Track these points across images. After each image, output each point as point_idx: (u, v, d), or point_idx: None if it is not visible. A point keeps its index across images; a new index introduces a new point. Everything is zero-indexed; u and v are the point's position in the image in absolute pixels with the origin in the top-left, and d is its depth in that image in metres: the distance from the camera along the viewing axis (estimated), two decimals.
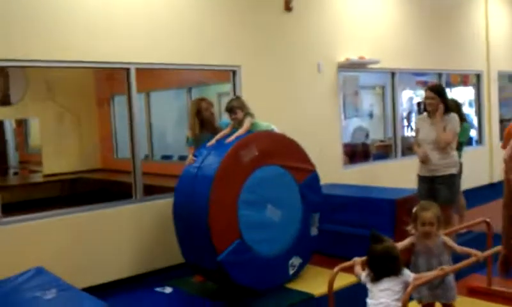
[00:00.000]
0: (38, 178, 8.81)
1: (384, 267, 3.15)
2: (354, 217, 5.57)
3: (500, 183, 8.37)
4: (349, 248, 5.28)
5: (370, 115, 10.67)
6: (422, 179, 5.34)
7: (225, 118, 5.24)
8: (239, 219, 4.48)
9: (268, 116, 6.23)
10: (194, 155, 4.82)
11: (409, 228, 3.60)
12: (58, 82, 8.43)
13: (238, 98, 5.04)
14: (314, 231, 5.10)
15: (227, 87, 7.36)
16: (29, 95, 8.27)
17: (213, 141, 4.79)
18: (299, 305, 4.51)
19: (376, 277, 3.18)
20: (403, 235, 3.66)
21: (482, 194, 8.66)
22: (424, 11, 8.70)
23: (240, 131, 4.73)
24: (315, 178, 5.12)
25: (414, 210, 3.60)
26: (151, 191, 5.62)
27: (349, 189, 6.24)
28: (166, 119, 9.17)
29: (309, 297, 4.61)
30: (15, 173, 9.30)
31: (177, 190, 4.78)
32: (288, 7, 6.62)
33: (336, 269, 3.48)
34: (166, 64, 5.63)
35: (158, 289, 4.88)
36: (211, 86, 8.51)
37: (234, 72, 6.19)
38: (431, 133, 5.21)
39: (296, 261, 4.91)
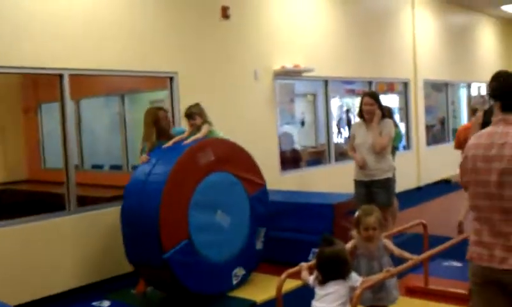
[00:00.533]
0: None
1: (332, 270, 3.16)
2: (293, 223, 5.61)
3: (426, 187, 8.74)
4: (289, 253, 5.37)
5: (302, 122, 10.87)
6: (359, 183, 5.43)
7: (177, 126, 5.25)
8: (189, 219, 4.47)
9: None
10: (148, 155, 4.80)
11: (353, 232, 3.66)
12: None
13: (197, 104, 5.04)
14: (259, 245, 5.14)
15: (161, 94, 7.26)
16: None
17: (170, 143, 4.80)
18: None
19: (323, 280, 3.20)
20: (341, 239, 3.68)
21: (410, 197, 9.01)
22: (356, 21, 8.97)
23: (199, 135, 4.79)
24: (264, 192, 5.20)
25: (356, 214, 3.66)
26: (83, 202, 5.41)
27: (287, 195, 6.28)
28: (97, 128, 8.89)
29: (252, 304, 4.58)
30: None
31: (128, 188, 4.70)
32: (225, 15, 6.62)
33: (283, 276, 3.47)
34: (101, 70, 5.47)
35: (95, 303, 4.70)
36: (144, 93, 8.35)
37: (171, 78, 6.10)
38: (367, 138, 5.32)
39: (239, 271, 4.90)
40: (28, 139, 8.96)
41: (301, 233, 5.46)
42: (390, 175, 5.37)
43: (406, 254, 3.57)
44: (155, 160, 4.65)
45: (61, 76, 5.13)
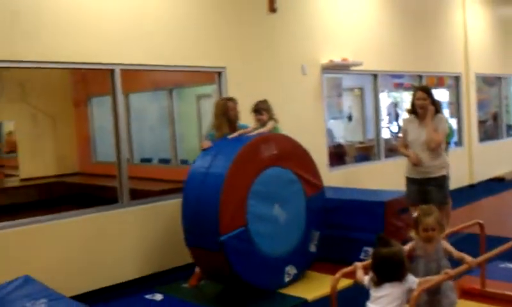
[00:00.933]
0: (14, 182, 8.56)
1: (388, 271, 3.09)
2: (343, 220, 5.52)
3: (479, 185, 8.45)
4: (339, 251, 5.31)
5: (349, 117, 10.73)
6: (412, 181, 5.30)
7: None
8: (248, 207, 4.51)
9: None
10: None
11: (412, 233, 3.58)
12: (33, 84, 8.23)
13: (265, 100, 5.12)
14: (313, 248, 5.10)
15: (208, 88, 7.30)
16: (4, 97, 8.05)
17: (235, 134, 4.87)
18: None
19: (378, 282, 3.13)
20: (392, 237, 3.59)
21: (462, 195, 8.76)
22: (406, 13, 8.78)
23: (264, 129, 4.88)
24: (322, 195, 5.20)
25: (415, 215, 3.57)
26: (134, 195, 5.48)
27: (336, 192, 6.20)
28: (145, 122, 9.02)
29: (303, 302, 4.54)
30: None
31: (190, 174, 4.76)
32: (272, 9, 6.57)
33: (338, 275, 3.41)
34: (151, 65, 5.51)
35: (148, 296, 4.76)
36: (191, 88, 8.42)
37: (220, 73, 6.11)
38: (421, 134, 5.17)
39: (291, 270, 4.88)
40: (79, 132, 9.18)
41: (351, 230, 5.38)
42: (444, 172, 5.23)
43: (466, 257, 3.45)
44: (218, 149, 4.72)
45: (112, 71, 5.21)
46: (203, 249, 4.63)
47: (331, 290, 3.43)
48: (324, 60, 7.26)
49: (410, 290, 3.07)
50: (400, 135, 5.57)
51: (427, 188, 5.17)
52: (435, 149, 5.13)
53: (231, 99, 5.22)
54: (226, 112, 5.08)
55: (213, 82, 6.30)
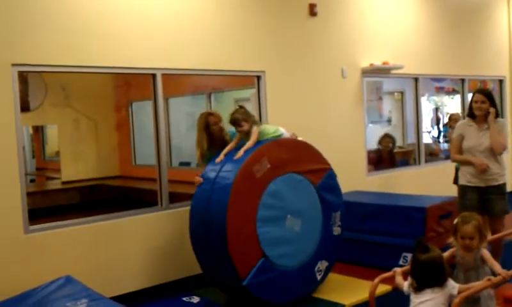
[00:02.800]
0: (56, 185, 8.77)
1: (428, 277, 3.05)
2: (383, 226, 5.45)
3: None
4: (377, 257, 5.24)
5: (389, 121, 10.58)
6: (471, 189, 5.01)
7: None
8: (259, 237, 4.29)
9: (292, 122, 6.17)
10: (202, 175, 4.61)
11: (451, 240, 3.50)
12: (76, 88, 8.40)
13: (240, 108, 4.71)
14: (336, 230, 4.89)
15: (246, 93, 7.32)
16: (47, 101, 8.25)
17: (221, 157, 4.56)
18: None
19: (418, 288, 3.08)
20: (432, 243, 3.51)
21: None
22: (447, 15, 8.61)
23: (249, 143, 4.49)
24: (331, 176, 4.88)
25: (455, 222, 3.49)
26: (173, 198, 5.53)
27: (375, 197, 6.12)
28: (184, 126, 9.10)
29: None
30: (32, 180, 9.28)
31: (192, 216, 4.58)
32: (312, 12, 6.56)
33: (377, 280, 3.38)
34: (191, 69, 5.56)
35: (185, 298, 4.79)
36: (230, 92, 8.46)
37: (259, 77, 6.11)
38: (482, 139, 4.94)
39: (322, 265, 4.76)
40: (120, 136, 9.33)
41: (390, 236, 5.30)
42: (505, 180, 5.01)
43: (498, 268, 3.32)
44: (211, 184, 4.43)
45: (154, 76, 5.28)
46: (226, 287, 4.60)
47: (370, 296, 3.39)
48: (365, 63, 7.19)
49: (451, 296, 3.01)
50: (453, 140, 5.25)
51: (489, 197, 4.94)
52: (500, 154, 4.92)
53: (212, 113, 5.00)
54: (207, 127, 4.87)
55: (251, 86, 6.32)
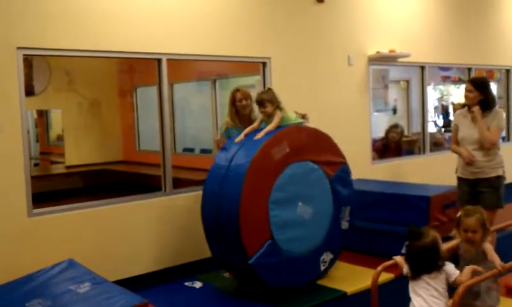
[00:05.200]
0: (60, 169, 8.79)
1: (422, 263, 3.07)
2: (386, 214, 5.43)
3: None
4: (380, 245, 5.23)
5: (394, 109, 10.54)
6: (463, 181, 5.02)
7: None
8: (270, 219, 4.29)
9: (297, 109, 6.13)
10: (223, 148, 4.65)
11: (453, 233, 3.48)
12: (80, 73, 8.40)
13: (268, 90, 4.77)
14: (345, 225, 4.89)
15: (251, 79, 7.29)
16: (52, 86, 8.25)
17: (241, 136, 4.56)
18: (331, 302, 4.40)
19: (414, 275, 3.11)
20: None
21: (510, 192, 8.46)
22: (455, 3, 8.53)
23: (270, 126, 4.47)
24: (345, 170, 4.88)
25: (458, 214, 3.47)
26: (176, 184, 5.54)
27: (380, 185, 6.11)
28: (188, 112, 9.09)
29: (341, 295, 4.49)
30: (36, 164, 9.30)
31: (205, 190, 4.58)
32: None
33: (379, 268, 3.40)
34: (196, 55, 5.53)
35: (187, 283, 4.80)
36: (236, 78, 8.42)
37: (264, 64, 6.08)
38: (472, 131, 4.89)
39: (327, 257, 4.77)
40: (124, 121, 9.33)
41: (393, 224, 5.27)
42: (500, 172, 4.88)
43: (497, 261, 3.29)
44: (229, 161, 4.41)
45: (159, 60, 5.25)
46: (231, 265, 4.60)
47: (372, 284, 3.40)
48: (371, 51, 7.14)
49: (450, 280, 3.02)
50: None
51: (479, 190, 4.87)
52: (489, 148, 4.82)
53: (239, 89, 5.01)
54: (233, 102, 4.97)
55: (256, 73, 6.29)
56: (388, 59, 7.41)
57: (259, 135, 4.42)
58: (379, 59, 7.25)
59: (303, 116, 4.79)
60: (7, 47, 4.34)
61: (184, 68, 7.83)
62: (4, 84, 4.34)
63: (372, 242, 5.38)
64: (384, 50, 7.18)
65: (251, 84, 7.33)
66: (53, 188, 7.57)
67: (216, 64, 7.37)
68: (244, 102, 4.96)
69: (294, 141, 4.45)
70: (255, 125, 4.69)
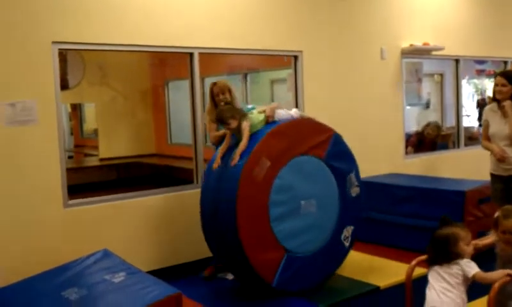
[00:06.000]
0: (93, 161, 8.93)
1: (435, 252, 3.05)
2: (420, 209, 5.36)
3: None
4: (413, 240, 5.16)
5: (427, 103, 10.37)
6: (495, 178, 4.90)
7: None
8: (277, 236, 4.14)
9: (329, 104, 6.14)
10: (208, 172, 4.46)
11: (491, 233, 3.40)
12: (113, 67, 8.49)
13: (226, 106, 4.42)
14: (355, 191, 4.65)
15: (282, 73, 7.26)
16: (85, 80, 8.36)
17: (218, 161, 4.28)
18: (365, 297, 4.37)
19: (429, 262, 3.10)
20: (471, 228, 3.44)
21: None
22: None
23: (242, 144, 4.13)
24: (336, 141, 4.53)
25: (496, 215, 3.39)
26: None
27: (413, 179, 6.03)
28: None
29: (374, 289, 4.46)
30: (70, 157, 9.46)
31: (204, 225, 4.48)
32: None
33: (414, 262, 3.34)
34: (228, 48, 5.54)
35: (220, 275, 4.83)
36: (267, 72, 8.41)
37: (296, 57, 6.05)
38: (503, 127, 4.77)
39: (347, 231, 4.61)
40: (156, 115, 9.41)
41: (428, 220, 5.20)
42: None
43: None
44: (217, 193, 4.24)
45: (191, 54, 5.27)
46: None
47: (407, 278, 3.35)
48: (405, 44, 7.04)
49: (466, 279, 2.96)
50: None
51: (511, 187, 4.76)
52: None
53: (215, 83, 4.80)
54: (212, 97, 4.81)
55: (288, 66, 6.26)
56: (421, 52, 7.29)
57: (235, 160, 4.11)
58: (413, 52, 7.14)
59: (265, 111, 4.43)
60: (42, 42, 4.41)
61: (215, 61, 7.85)
62: (40, 78, 4.41)
63: (405, 236, 5.34)
64: (418, 43, 7.07)
65: (282, 77, 7.31)
66: (87, 180, 7.69)
67: (247, 58, 7.36)
68: (221, 96, 4.73)
69: (271, 150, 4.16)
70: (225, 145, 4.37)
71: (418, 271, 3.95)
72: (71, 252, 4.23)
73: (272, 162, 4.14)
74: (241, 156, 4.10)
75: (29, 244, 4.34)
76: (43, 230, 4.42)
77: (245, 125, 4.22)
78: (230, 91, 4.81)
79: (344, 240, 4.62)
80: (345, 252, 4.65)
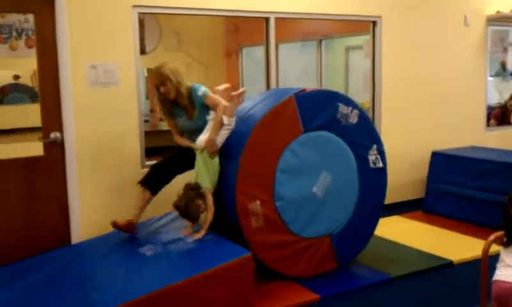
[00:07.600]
0: (167, 126, 9.11)
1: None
2: (500, 184, 5.15)
3: None
4: (491, 216, 4.99)
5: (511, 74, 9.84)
6: None
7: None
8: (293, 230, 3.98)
9: (408, 73, 5.95)
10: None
11: None
12: (188, 33, 8.58)
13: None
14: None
15: (358, 39, 7.08)
16: (162, 45, 8.51)
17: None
18: (437, 270, 4.30)
19: (507, 243, 2.96)
20: None
21: None
22: None
23: (208, 220, 3.84)
24: (308, 102, 4.09)
25: None
26: None
27: (494, 153, 5.77)
28: (292, 73, 9.03)
29: (448, 263, 4.38)
30: (146, 121, 9.70)
31: None
32: None
33: (492, 237, 3.20)
34: (304, 13, 5.46)
35: None
36: (343, 38, 8.24)
37: (374, 23, 5.87)
38: None
39: (373, 153, 4.26)
40: (229, 81, 9.46)
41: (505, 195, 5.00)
42: None
43: None
44: None
45: (267, 19, 5.24)
46: None
47: (483, 253, 3.22)
48: (490, 11, 6.69)
49: None
50: None
51: None
52: None
53: (154, 71, 4.04)
54: (157, 88, 4.01)
55: (365, 33, 6.10)
56: (508, 20, 6.93)
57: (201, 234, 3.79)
58: (499, 20, 6.80)
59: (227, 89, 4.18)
60: (124, 5, 4.52)
61: (290, 27, 7.76)
62: (121, 41, 4.53)
63: (483, 212, 5.16)
64: (506, 10, 6.71)
65: (359, 44, 7.13)
66: (160, 144, 7.88)
67: (322, 24, 7.22)
68: (162, 89, 3.95)
69: (257, 184, 3.83)
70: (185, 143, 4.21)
71: (495, 248, 3.83)
72: (148, 211, 4.36)
73: (263, 198, 3.83)
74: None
75: (111, 203, 4.52)
76: (122, 190, 4.58)
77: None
78: (170, 80, 3.91)
79: (372, 162, 4.24)
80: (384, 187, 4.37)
